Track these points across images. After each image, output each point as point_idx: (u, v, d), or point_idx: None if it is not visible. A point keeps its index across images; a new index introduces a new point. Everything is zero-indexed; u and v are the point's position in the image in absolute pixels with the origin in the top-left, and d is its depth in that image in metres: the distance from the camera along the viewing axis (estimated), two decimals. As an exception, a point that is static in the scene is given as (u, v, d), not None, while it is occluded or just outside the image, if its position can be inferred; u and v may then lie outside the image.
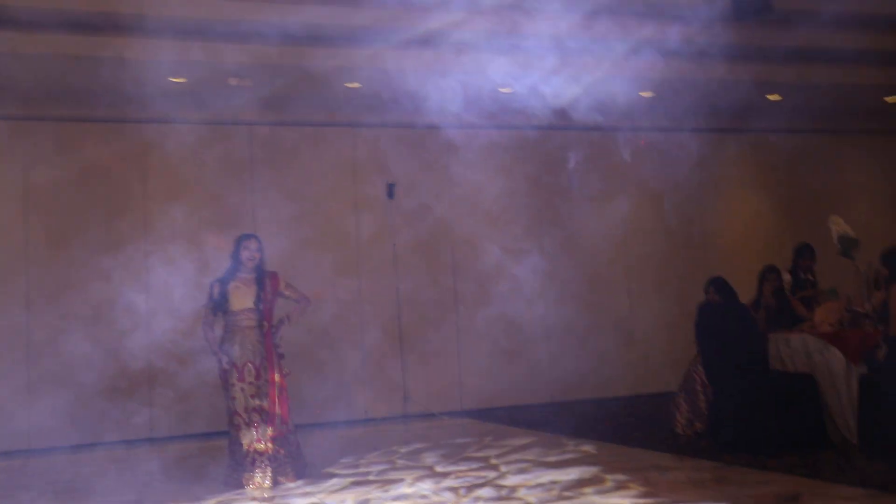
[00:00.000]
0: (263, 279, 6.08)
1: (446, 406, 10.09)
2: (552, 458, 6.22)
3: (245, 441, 5.83)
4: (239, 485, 5.83)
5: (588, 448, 6.62)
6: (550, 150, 10.69)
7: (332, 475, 6.12)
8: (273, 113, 9.65)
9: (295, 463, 5.98)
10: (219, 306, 5.99)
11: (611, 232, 10.96)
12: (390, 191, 9.85)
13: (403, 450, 7.13)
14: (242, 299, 5.98)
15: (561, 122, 9.89)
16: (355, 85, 9.06)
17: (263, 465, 5.81)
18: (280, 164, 9.73)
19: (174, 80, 8.50)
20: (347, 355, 9.73)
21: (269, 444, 5.84)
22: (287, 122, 9.78)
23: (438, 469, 6.10)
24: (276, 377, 5.95)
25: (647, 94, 9.87)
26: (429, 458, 6.59)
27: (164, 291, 8.55)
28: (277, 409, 5.92)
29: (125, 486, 6.21)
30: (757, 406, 6.22)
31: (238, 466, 5.87)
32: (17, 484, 6.68)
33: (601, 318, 10.85)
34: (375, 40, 8.19)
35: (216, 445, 7.56)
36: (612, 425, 7.93)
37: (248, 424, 5.85)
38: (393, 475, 5.99)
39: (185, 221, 9.09)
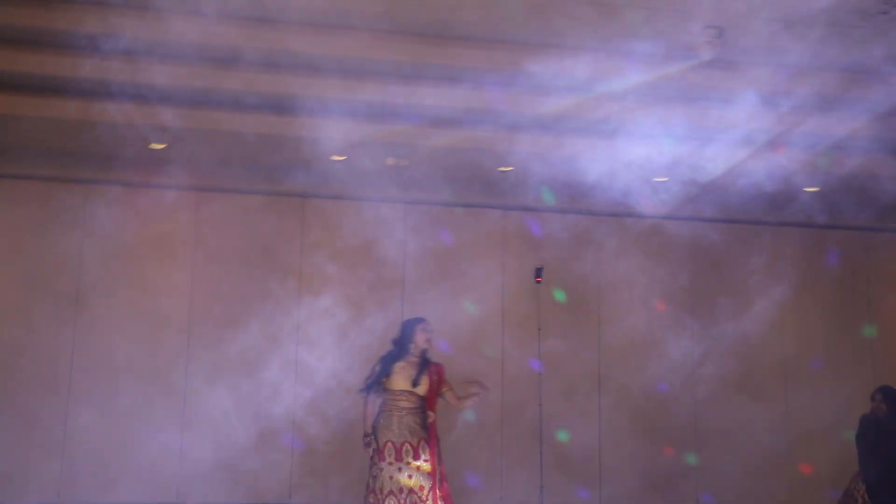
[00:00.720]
0: (429, 367, 6.01)
1: (584, 500, 9.68)
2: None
3: None
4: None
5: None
6: (711, 244, 10.29)
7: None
8: (424, 192, 9.80)
9: None
10: (377, 383, 5.94)
11: (768, 330, 10.36)
12: (538, 273, 9.72)
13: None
14: (405, 380, 5.92)
15: (724, 216, 9.58)
16: (508, 168, 9.08)
17: None
18: (430, 240, 9.84)
19: (336, 158, 8.80)
20: (486, 440, 9.55)
21: None
22: (437, 202, 9.90)
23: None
24: (437, 465, 5.81)
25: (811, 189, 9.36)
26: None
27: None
28: (435, 495, 5.72)
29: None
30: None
31: None
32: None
33: (755, 418, 10.19)
34: (534, 126, 8.19)
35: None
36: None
37: None
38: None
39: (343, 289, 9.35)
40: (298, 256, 9.60)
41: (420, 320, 6.17)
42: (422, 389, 5.87)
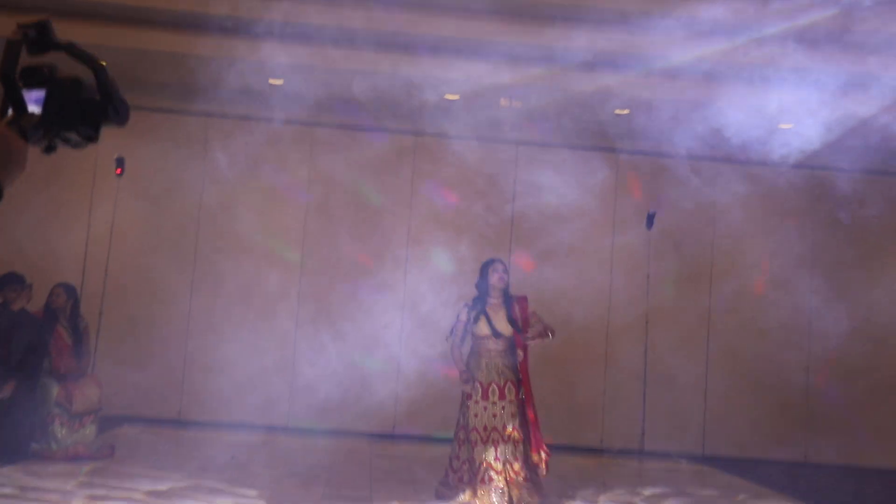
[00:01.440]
0: (511, 303, 6.01)
1: (686, 448, 9.58)
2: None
3: (479, 458, 5.74)
4: (453, 497, 5.76)
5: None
6: (832, 194, 9.82)
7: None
8: (537, 133, 9.66)
9: (537, 489, 5.81)
10: (466, 331, 5.97)
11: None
12: (650, 220, 9.49)
13: (646, 492, 6.83)
14: (487, 324, 5.93)
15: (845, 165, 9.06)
16: (625, 111, 8.84)
17: (498, 486, 5.69)
18: (540, 184, 9.71)
19: (449, 97, 8.74)
20: (588, 381, 9.55)
21: (513, 468, 5.73)
22: (550, 144, 9.75)
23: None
24: (528, 408, 5.82)
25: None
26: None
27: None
28: (519, 435, 5.74)
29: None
30: None
31: (462, 481, 5.82)
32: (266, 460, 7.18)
33: (875, 373, 9.82)
34: (646, 66, 7.93)
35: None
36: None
37: (485, 442, 5.74)
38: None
39: (445, 233, 9.38)
40: (408, 195, 9.67)
41: (492, 261, 6.09)
42: (505, 331, 5.87)
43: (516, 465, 5.68)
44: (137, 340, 9.22)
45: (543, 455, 5.71)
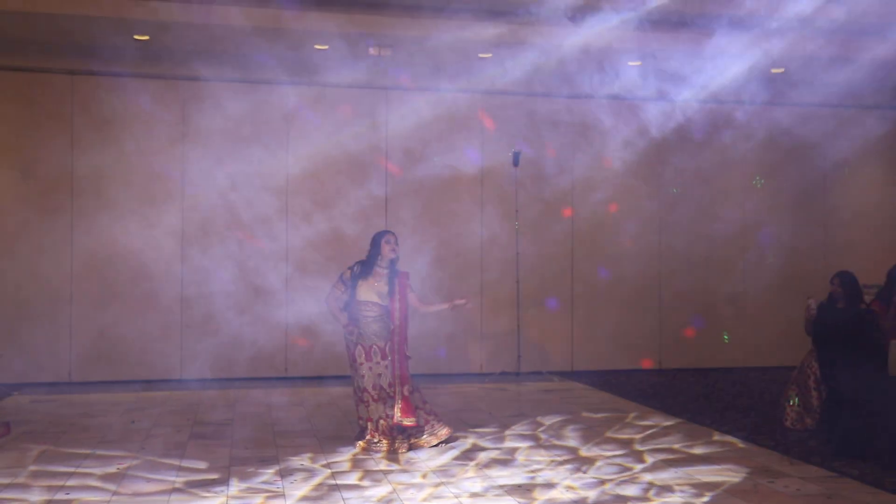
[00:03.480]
0: (394, 277, 6.29)
1: (559, 366, 10.32)
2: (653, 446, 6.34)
3: (375, 415, 6.13)
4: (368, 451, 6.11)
5: (702, 443, 6.68)
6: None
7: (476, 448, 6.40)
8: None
9: (437, 423, 6.30)
10: (347, 290, 6.24)
11: (724, 212, 10.81)
12: (515, 159, 9.89)
13: (509, 413, 7.38)
14: (370, 291, 6.21)
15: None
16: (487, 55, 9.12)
17: (396, 435, 6.11)
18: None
19: (318, 47, 8.76)
20: (466, 313, 10.02)
21: (403, 417, 6.11)
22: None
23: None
24: (403, 371, 6.22)
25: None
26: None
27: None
28: (404, 390, 6.17)
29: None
30: (872, 413, 6.10)
31: (367, 435, 6.18)
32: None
33: (716, 289, 10.80)
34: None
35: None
36: (720, 407, 7.94)
37: (377, 400, 6.14)
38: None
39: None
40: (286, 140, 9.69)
41: (385, 233, 6.39)
42: (384, 300, 6.21)
43: (411, 414, 6.14)
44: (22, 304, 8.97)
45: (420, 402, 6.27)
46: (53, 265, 9.17)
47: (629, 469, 5.66)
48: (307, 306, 8.97)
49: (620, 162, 10.29)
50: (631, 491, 5.11)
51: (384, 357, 6.19)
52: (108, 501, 4.85)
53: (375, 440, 6.15)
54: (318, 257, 9.41)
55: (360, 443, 6.17)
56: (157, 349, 9.37)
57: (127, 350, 9.29)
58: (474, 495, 5.01)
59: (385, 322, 6.23)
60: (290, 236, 9.64)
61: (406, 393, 6.17)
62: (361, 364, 6.19)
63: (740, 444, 6.44)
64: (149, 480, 5.30)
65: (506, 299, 10.10)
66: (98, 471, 5.52)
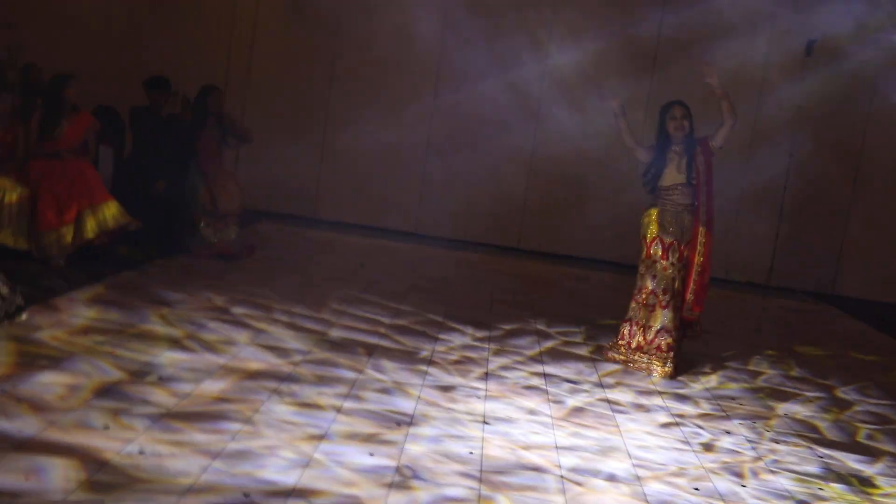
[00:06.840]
0: (694, 151, 5.13)
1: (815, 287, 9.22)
2: None
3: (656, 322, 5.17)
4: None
5: None
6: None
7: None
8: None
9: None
10: (650, 182, 5.20)
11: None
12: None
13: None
14: (674, 174, 5.13)
15: None
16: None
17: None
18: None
19: None
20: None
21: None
22: None
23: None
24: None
25: None
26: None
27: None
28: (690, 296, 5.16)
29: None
30: None
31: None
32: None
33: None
34: None
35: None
36: None
37: (665, 307, 5.17)
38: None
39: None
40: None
41: (669, 106, 5.11)
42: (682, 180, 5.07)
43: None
44: (276, 137, 9.23)
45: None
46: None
47: None
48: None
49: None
50: None
51: (681, 259, 5.25)
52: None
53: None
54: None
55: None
56: (398, 201, 9.38)
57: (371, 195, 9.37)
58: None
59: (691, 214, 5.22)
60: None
61: None
62: (657, 262, 5.26)
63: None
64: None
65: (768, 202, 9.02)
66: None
